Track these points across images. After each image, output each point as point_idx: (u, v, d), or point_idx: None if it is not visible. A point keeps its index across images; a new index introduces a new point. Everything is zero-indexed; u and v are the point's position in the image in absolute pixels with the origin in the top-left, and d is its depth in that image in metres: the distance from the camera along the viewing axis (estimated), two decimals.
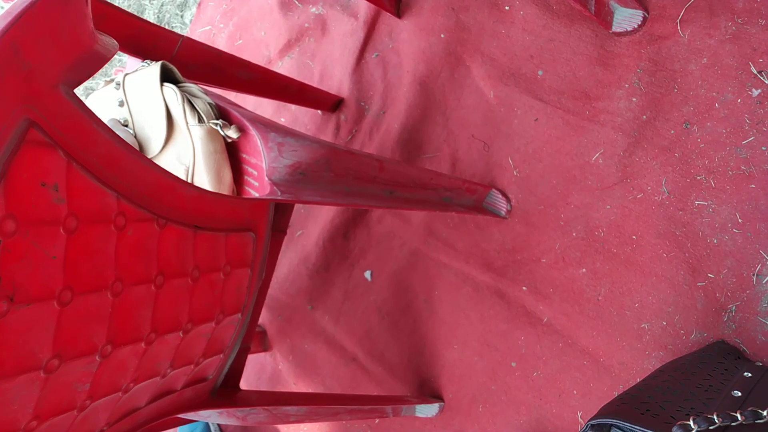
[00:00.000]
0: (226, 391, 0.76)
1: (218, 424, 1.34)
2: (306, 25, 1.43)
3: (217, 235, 0.62)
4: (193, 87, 0.80)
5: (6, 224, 0.41)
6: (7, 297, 0.41)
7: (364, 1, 1.28)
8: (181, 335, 0.59)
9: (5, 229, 0.41)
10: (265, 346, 1.29)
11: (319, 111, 1.33)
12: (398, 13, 1.22)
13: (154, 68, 0.79)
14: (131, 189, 0.52)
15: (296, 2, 1.47)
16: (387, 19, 1.24)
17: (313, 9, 1.42)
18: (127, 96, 0.81)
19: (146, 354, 0.55)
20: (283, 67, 1.46)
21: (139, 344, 0.54)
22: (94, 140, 0.49)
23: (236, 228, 0.66)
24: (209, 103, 0.79)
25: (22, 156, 0.42)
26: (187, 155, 0.77)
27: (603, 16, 0.88)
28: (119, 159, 0.51)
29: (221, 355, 0.70)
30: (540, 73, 0.97)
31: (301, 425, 1.16)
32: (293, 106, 1.40)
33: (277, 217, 0.79)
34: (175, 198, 0.57)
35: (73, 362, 0.47)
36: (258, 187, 0.76)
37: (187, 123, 0.76)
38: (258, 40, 1.56)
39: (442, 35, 1.13)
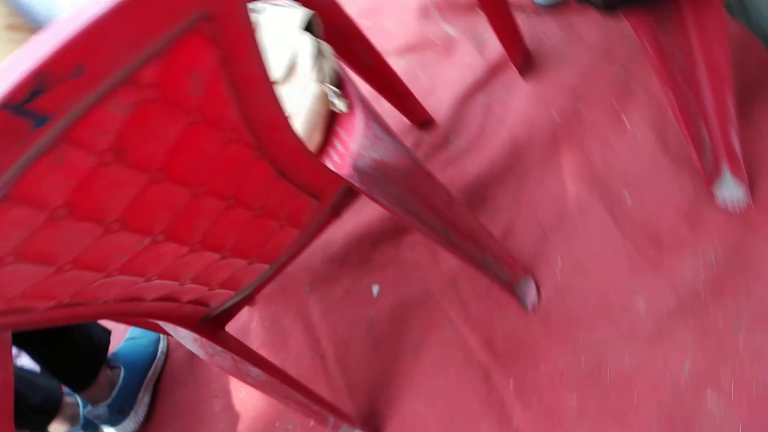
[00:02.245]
0: (212, 324, 0.77)
1: (166, 344, 1.35)
2: (434, 38, 1.45)
3: (294, 189, 0.63)
4: (326, 47, 0.81)
5: (149, 91, 0.42)
6: (116, 150, 0.42)
7: (497, 45, 1.30)
8: (218, 258, 0.60)
9: (147, 95, 0.42)
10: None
11: (406, 119, 1.34)
12: (522, 71, 1.24)
13: (301, 13, 0.81)
14: (251, 112, 0.53)
15: (437, 14, 1.49)
16: (510, 71, 1.26)
17: (448, 28, 1.44)
18: (260, 25, 0.83)
19: (183, 258, 0.56)
20: (393, 66, 1.47)
21: (185, 247, 0.54)
22: (247, 55, 0.50)
23: (308, 191, 0.67)
24: (334, 69, 0.80)
25: (186, 40, 0.44)
26: (293, 104, 0.78)
27: (710, 174, 0.88)
28: (255, 81, 0.52)
29: (232, 292, 0.70)
30: (627, 197, 0.98)
31: (245, 389, 1.15)
32: (385, 103, 1.41)
33: (341, 199, 0.80)
34: (278, 138, 0.58)
35: (129, 234, 0.48)
36: (338, 163, 0.77)
37: (309, 77, 0.77)
38: (383, 29, 1.58)
39: (555, 114, 1.14)
